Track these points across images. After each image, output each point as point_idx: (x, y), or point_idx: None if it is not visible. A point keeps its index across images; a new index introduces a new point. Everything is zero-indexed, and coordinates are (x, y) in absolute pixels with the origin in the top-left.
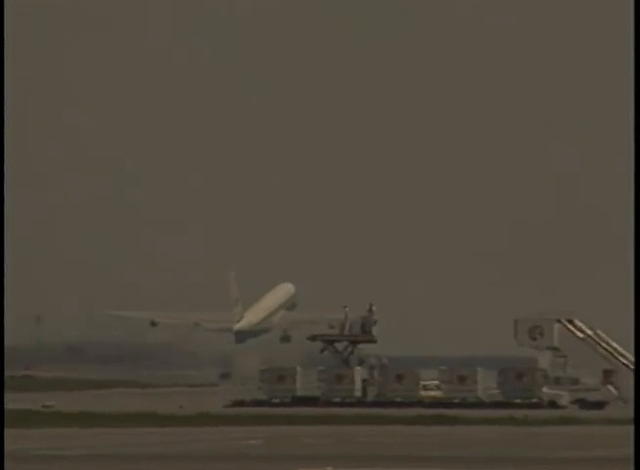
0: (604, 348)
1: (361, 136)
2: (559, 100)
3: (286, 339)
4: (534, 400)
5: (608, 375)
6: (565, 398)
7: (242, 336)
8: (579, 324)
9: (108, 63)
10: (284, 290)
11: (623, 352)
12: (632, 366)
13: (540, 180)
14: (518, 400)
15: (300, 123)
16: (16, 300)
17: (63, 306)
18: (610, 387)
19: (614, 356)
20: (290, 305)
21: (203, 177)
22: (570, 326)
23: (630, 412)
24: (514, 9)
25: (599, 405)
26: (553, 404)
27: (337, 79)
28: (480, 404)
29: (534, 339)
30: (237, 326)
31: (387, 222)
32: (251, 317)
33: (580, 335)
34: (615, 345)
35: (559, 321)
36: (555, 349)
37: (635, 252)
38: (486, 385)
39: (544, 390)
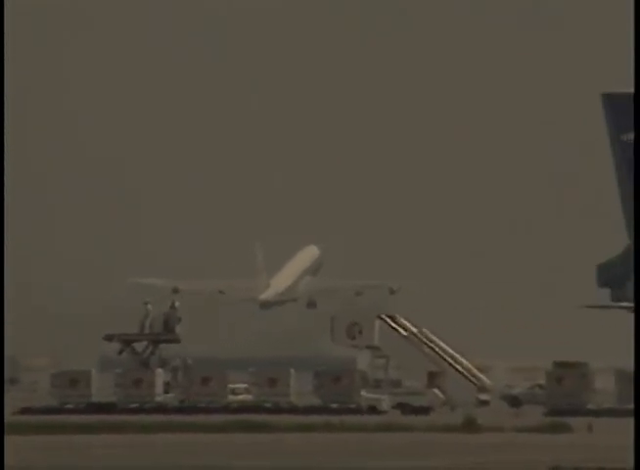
0: (430, 347)
1: (361, 136)
2: (559, 100)
3: (312, 305)
4: (352, 405)
5: (434, 378)
6: (385, 402)
7: (267, 304)
8: (403, 321)
9: (108, 63)
10: (308, 253)
11: (452, 352)
12: (461, 368)
13: (540, 180)
14: (334, 405)
15: (304, 116)
16: None
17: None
18: (436, 391)
19: (441, 357)
20: (314, 268)
21: (222, 155)
22: (392, 323)
23: (458, 418)
24: (514, 9)
25: (423, 411)
26: (373, 409)
27: (337, 79)
28: (292, 409)
29: (353, 337)
30: (263, 296)
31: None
32: (276, 286)
33: (404, 333)
34: (442, 344)
35: (380, 318)
36: (375, 348)
37: (635, 251)
38: (301, 388)
39: (363, 393)
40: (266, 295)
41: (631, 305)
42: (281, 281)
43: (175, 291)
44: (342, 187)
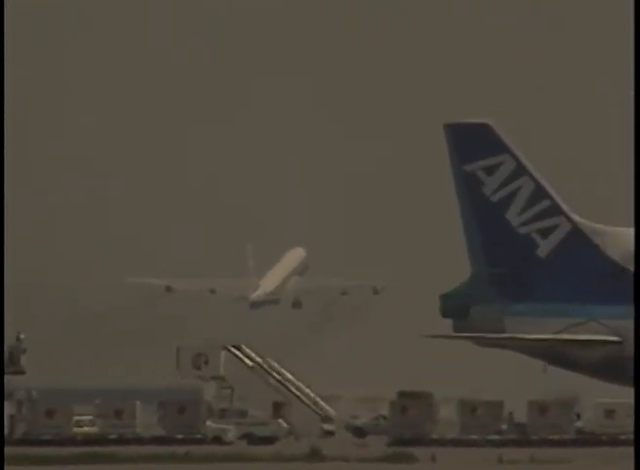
0: (275, 378)
1: (345, 141)
2: (559, 100)
3: (297, 305)
4: (198, 435)
5: (279, 408)
6: (231, 432)
7: (257, 304)
8: (248, 352)
9: (108, 63)
10: (295, 255)
11: (297, 382)
12: (306, 399)
13: (387, 207)
14: (180, 436)
15: (302, 118)
16: None
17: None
18: (281, 421)
19: (286, 387)
20: (301, 269)
21: (213, 161)
22: (238, 354)
23: (304, 448)
24: (514, 9)
25: (269, 441)
26: (218, 440)
27: (336, 79)
28: (138, 440)
29: (199, 368)
30: (253, 296)
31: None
32: (266, 286)
33: (250, 363)
34: (287, 375)
35: (226, 348)
36: (221, 378)
37: (635, 248)
38: (147, 419)
39: (208, 424)
40: (257, 294)
41: (475, 335)
42: (270, 281)
43: (168, 289)
44: (328, 193)
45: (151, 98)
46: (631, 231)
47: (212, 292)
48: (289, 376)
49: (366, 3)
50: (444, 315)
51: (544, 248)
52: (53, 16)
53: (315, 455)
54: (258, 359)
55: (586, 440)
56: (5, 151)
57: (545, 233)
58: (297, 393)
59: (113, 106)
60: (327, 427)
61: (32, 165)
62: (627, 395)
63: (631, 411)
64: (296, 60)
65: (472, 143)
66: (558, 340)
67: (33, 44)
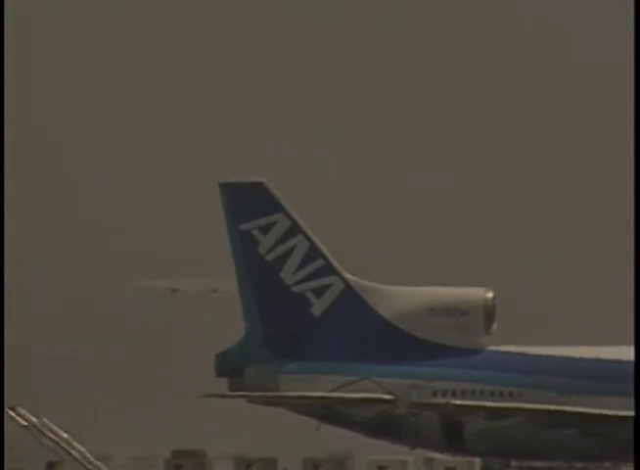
0: (50, 438)
1: (362, 138)
2: (559, 101)
3: None
4: None
5: (52, 467)
6: None
7: None
8: (23, 411)
9: (108, 63)
10: None
11: (72, 441)
12: (80, 457)
13: (538, 182)
14: None
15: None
16: None
17: None
18: None
19: (61, 447)
20: None
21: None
22: (12, 413)
23: None
24: (514, 9)
25: None
26: None
27: (337, 78)
28: None
29: None
30: None
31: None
32: None
33: (24, 423)
34: (63, 434)
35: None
36: None
37: (635, 256)
38: None
39: None
40: None
41: (247, 394)
42: None
43: (174, 291)
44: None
45: (151, 97)
46: (403, 289)
47: (214, 291)
48: (64, 435)
49: (366, 3)
50: (218, 374)
51: (318, 307)
52: (52, 15)
53: None
54: (33, 419)
55: None
56: (5, 151)
57: (319, 292)
58: (72, 452)
59: (119, 104)
60: None
61: (32, 166)
62: (399, 452)
63: (404, 467)
64: (296, 60)
65: (247, 202)
66: (329, 398)
67: (33, 44)
